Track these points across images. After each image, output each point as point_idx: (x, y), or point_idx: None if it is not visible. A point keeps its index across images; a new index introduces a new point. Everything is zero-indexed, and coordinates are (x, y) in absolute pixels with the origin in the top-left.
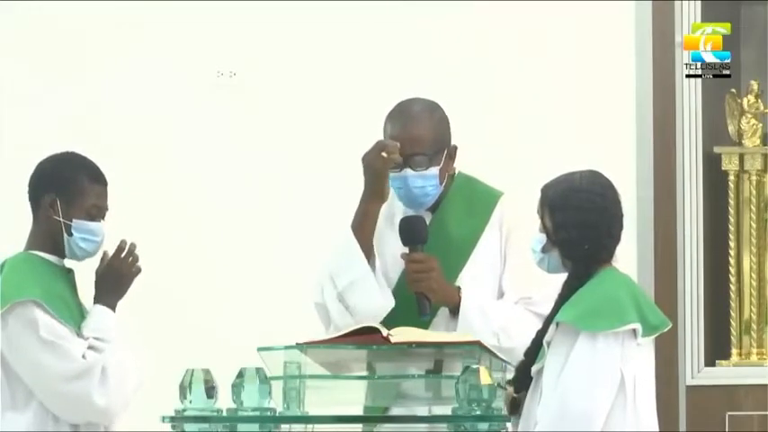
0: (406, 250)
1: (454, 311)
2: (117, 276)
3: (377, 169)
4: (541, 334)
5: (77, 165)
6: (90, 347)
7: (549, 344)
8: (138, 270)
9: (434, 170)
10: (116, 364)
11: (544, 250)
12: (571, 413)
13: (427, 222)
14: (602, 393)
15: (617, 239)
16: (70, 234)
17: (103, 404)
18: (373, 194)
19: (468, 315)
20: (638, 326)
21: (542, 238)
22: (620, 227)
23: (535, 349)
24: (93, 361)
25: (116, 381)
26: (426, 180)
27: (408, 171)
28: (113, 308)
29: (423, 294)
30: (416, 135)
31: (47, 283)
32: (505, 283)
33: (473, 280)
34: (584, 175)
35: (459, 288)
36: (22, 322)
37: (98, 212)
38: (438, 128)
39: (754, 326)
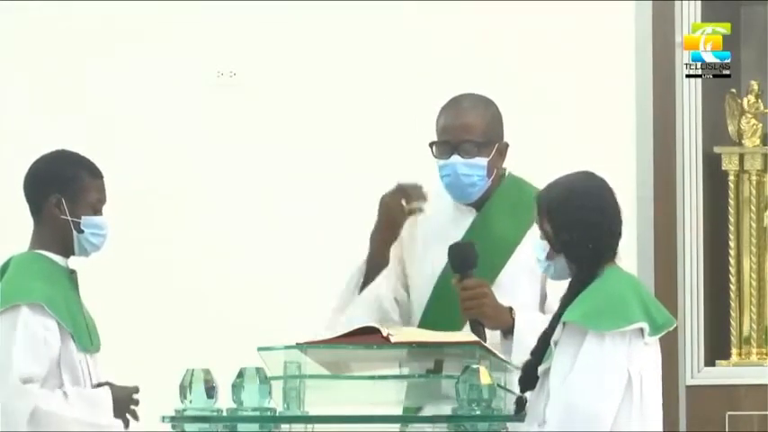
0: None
1: (506, 333)
2: (123, 408)
3: (393, 216)
4: (548, 334)
5: (75, 162)
6: (44, 386)
7: (556, 343)
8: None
9: (483, 160)
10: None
11: (548, 257)
12: (580, 413)
13: (472, 219)
14: (611, 393)
15: (619, 236)
16: (80, 231)
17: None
18: (384, 240)
19: (523, 337)
20: (644, 325)
21: (544, 245)
22: (621, 223)
23: (542, 349)
24: (25, 393)
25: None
26: (473, 169)
27: (457, 158)
28: (109, 406)
29: (477, 321)
30: (467, 122)
31: (51, 285)
32: (548, 285)
33: (512, 280)
34: (578, 177)
35: (510, 309)
36: (12, 324)
37: (101, 206)
38: (490, 120)
39: (753, 326)
